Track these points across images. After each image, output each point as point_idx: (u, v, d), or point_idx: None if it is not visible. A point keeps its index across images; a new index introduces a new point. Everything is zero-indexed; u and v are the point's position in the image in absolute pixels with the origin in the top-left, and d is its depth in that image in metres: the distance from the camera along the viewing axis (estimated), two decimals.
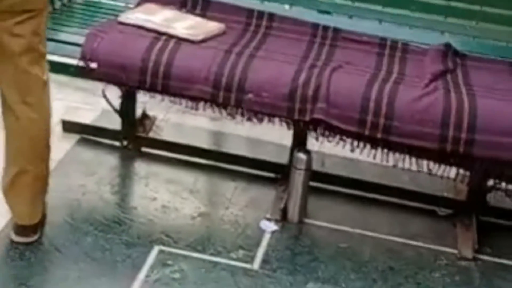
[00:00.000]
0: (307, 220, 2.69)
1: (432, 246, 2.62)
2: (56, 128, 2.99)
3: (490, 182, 2.56)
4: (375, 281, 2.42)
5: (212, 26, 2.70)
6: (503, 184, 2.44)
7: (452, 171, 2.48)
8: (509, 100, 2.43)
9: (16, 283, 2.24)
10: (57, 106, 3.15)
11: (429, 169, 2.46)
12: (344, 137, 2.46)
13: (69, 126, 3.01)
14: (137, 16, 2.68)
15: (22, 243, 2.37)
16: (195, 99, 2.53)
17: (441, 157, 2.42)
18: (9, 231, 2.40)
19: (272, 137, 3.04)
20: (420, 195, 2.83)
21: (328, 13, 2.91)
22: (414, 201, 2.83)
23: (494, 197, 2.74)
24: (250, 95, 2.46)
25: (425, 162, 2.45)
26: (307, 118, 2.44)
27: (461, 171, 2.49)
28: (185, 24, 2.67)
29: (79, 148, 2.95)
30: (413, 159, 2.46)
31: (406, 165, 2.47)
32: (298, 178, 2.65)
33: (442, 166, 2.46)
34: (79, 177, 2.76)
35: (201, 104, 2.54)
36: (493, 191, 2.63)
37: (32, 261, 2.33)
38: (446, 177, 2.49)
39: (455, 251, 2.60)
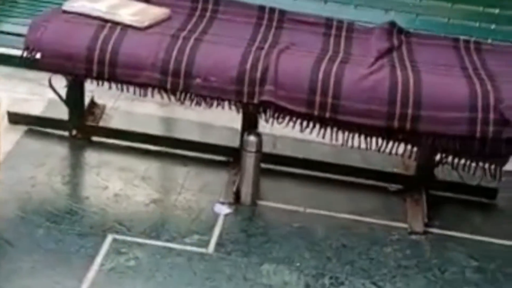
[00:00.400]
0: (260, 202, 2.71)
1: (383, 222, 2.67)
2: (2, 121, 2.96)
3: (437, 157, 2.61)
4: (329, 258, 2.46)
5: (157, 12, 2.69)
6: (450, 158, 2.49)
7: (401, 147, 2.52)
8: (452, 75, 2.48)
9: None
10: (2, 97, 3.12)
11: (378, 146, 2.50)
12: (294, 118, 2.48)
13: (15, 118, 2.97)
14: (81, 4, 2.65)
15: None
16: (143, 86, 2.52)
17: (389, 134, 2.45)
18: None
19: (223, 121, 3.05)
20: (370, 172, 2.88)
21: None
22: (365, 179, 2.87)
23: (441, 171, 2.80)
24: (198, 80, 2.46)
25: (373, 139, 2.49)
26: (256, 100, 2.45)
27: (409, 147, 2.53)
28: (130, 11, 2.65)
29: (27, 139, 2.92)
30: (362, 137, 2.49)
31: (356, 144, 2.50)
32: (249, 160, 2.67)
33: (391, 143, 2.50)
34: (29, 169, 2.73)
35: (150, 90, 2.53)
36: (440, 165, 2.68)
37: None
38: (395, 154, 2.53)
39: (405, 226, 2.65)
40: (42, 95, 3.14)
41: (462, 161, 2.47)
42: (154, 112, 3.20)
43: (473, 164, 2.46)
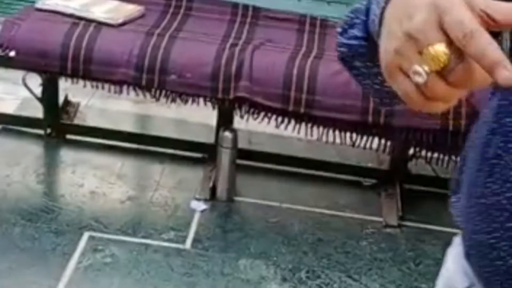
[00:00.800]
0: (236, 198, 2.72)
1: (358, 216, 2.70)
2: None
3: (411, 151, 2.64)
4: (305, 253, 2.48)
5: (131, 9, 2.69)
6: (423, 152, 2.52)
7: (375, 142, 2.55)
8: None
9: None
10: None
11: (353, 141, 2.52)
12: (269, 114, 2.50)
13: None
14: (55, 2, 2.64)
15: None
16: (118, 83, 2.52)
17: (363, 128, 2.48)
18: None
19: (198, 117, 3.05)
20: (345, 167, 2.90)
21: None
22: (340, 174, 2.89)
23: (415, 165, 2.83)
24: (173, 77, 2.47)
25: (348, 134, 2.51)
26: (231, 96, 2.47)
27: (383, 141, 2.56)
28: (104, 8, 2.65)
29: (1, 138, 2.90)
30: (337, 132, 2.51)
31: (331, 139, 2.52)
32: (225, 156, 2.68)
33: (365, 137, 2.52)
34: (3, 168, 2.72)
35: (125, 87, 2.53)
36: (414, 159, 2.71)
37: None
38: (369, 148, 2.55)
39: (380, 219, 2.68)
40: (15, 94, 3.12)
41: (436, 154, 2.50)
42: (129, 109, 3.20)
43: (446, 158, 2.49)
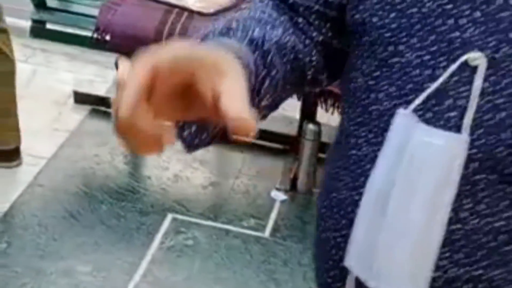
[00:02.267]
0: (316, 190, 2.74)
1: None
2: (68, 100, 3.05)
3: None
4: None
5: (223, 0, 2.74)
6: None
7: None
8: None
9: (33, 249, 2.29)
10: (68, 78, 3.22)
11: None
12: None
13: (80, 98, 3.05)
14: None
15: None
16: None
17: None
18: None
19: (279, 109, 3.08)
20: None
21: None
22: None
23: None
24: None
25: None
26: (317, 89, 2.49)
27: None
28: None
29: (91, 119, 3.00)
30: None
31: None
32: (307, 149, 2.71)
33: None
34: (92, 147, 2.81)
35: None
36: None
37: (49, 228, 2.39)
38: None
39: None
40: (105, 77, 3.21)
41: None
42: None
43: None
